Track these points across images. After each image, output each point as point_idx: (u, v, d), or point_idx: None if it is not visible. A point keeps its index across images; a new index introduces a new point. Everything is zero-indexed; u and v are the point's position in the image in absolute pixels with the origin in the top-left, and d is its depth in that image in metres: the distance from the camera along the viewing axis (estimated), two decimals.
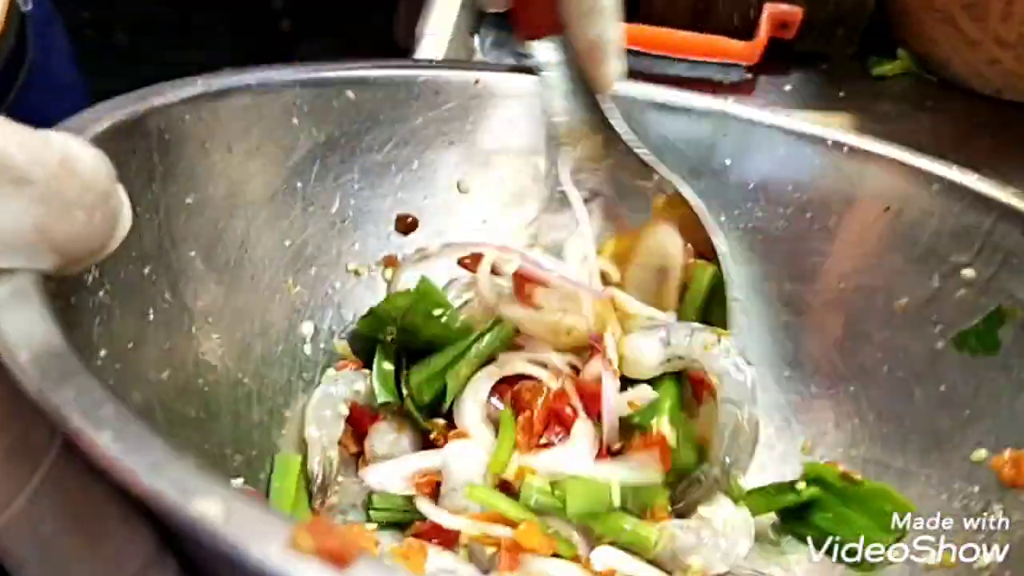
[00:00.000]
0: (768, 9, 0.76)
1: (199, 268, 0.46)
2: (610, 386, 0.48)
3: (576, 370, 0.51)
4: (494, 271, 0.53)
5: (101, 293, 0.37)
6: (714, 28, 0.77)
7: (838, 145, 0.61)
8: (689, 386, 0.53)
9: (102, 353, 0.35)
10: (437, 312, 0.50)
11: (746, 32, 0.77)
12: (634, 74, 0.60)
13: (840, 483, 0.53)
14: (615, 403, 0.48)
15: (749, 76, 0.79)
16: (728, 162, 0.63)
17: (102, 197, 0.30)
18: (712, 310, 0.59)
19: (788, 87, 0.79)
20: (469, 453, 0.45)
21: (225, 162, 0.49)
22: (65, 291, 0.34)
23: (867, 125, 0.75)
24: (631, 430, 0.49)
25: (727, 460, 0.50)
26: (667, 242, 0.59)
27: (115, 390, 0.33)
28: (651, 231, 0.59)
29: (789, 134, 0.62)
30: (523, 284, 0.51)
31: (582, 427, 0.47)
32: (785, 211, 0.62)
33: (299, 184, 0.54)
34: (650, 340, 0.51)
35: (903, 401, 0.56)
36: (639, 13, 0.78)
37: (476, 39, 0.84)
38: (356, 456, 0.51)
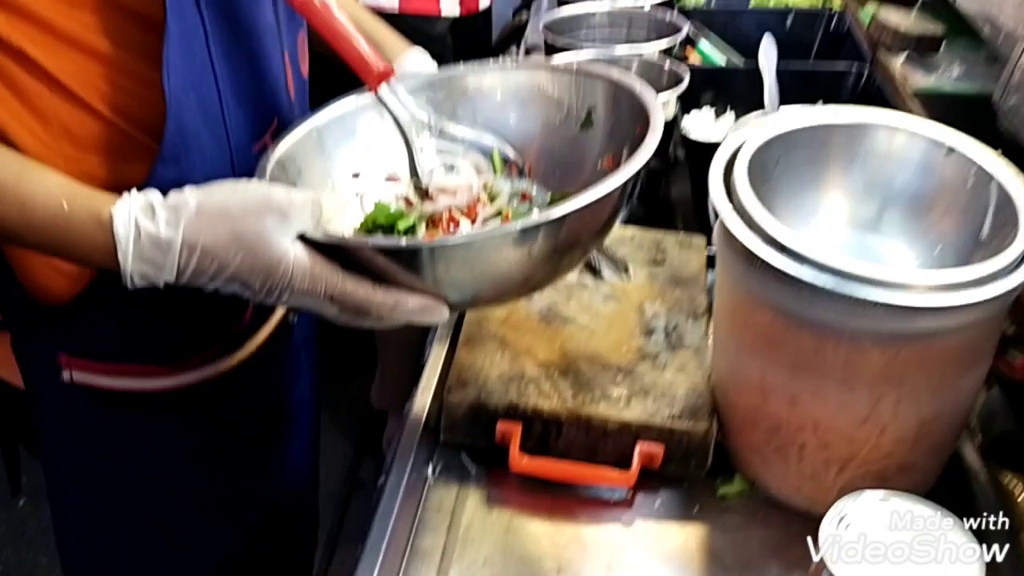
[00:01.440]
0: (639, 446, 1.05)
1: None
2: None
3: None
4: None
5: None
6: (601, 460, 1.06)
7: None
8: None
9: None
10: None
11: (625, 463, 1.05)
12: None
13: None
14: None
15: (629, 495, 1.06)
16: None
17: None
18: None
19: (658, 503, 1.05)
20: None
21: None
22: None
23: (715, 535, 1.01)
24: None
25: None
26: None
27: None
28: None
29: None
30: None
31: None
32: None
33: None
34: None
35: None
36: (549, 450, 1.07)
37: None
38: None
